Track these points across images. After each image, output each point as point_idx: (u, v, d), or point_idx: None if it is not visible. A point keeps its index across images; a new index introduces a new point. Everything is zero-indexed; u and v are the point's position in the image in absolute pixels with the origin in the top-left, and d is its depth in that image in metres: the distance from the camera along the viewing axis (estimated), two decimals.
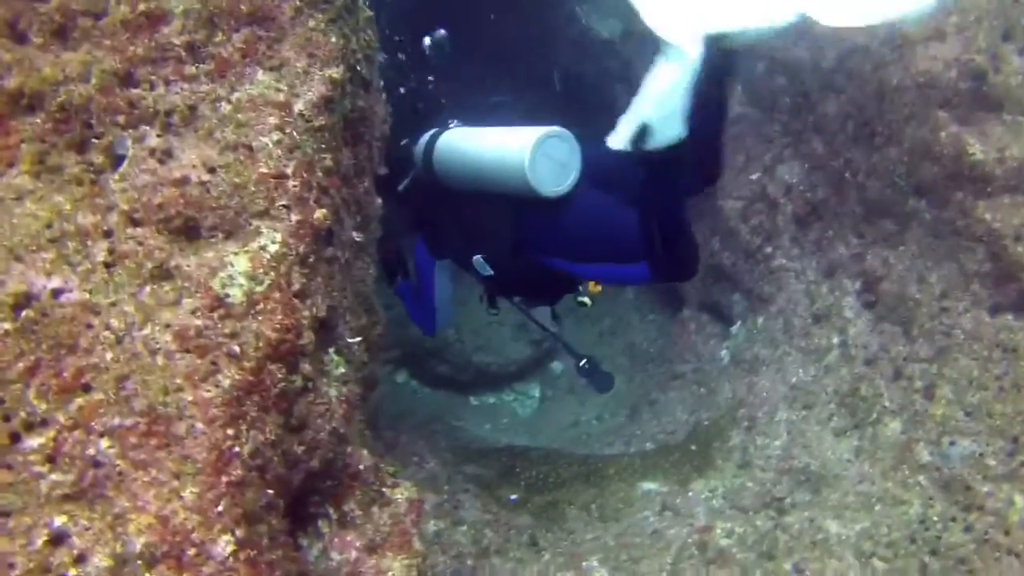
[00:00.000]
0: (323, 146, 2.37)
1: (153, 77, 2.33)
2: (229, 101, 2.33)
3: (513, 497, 3.40)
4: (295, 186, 2.25)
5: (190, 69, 2.35)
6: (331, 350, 2.39)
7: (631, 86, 4.26)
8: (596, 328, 5.10)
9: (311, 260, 2.24)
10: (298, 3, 2.45)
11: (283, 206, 2.21)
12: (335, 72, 2.43)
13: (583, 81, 4.56)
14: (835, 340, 3.51)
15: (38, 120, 2.22)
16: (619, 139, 2.76)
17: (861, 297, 3.53)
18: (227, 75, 2.36)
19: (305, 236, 2.22)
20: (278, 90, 2.36)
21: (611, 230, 2.90)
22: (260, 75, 2.38)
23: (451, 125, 3.38)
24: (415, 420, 4.34)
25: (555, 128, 2.92)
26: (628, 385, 4.63)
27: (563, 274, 3.14)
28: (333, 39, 2.47)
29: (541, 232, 3.05)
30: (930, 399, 3.11)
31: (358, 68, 2.62)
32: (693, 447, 3.56)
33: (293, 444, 2.12)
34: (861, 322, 3.47)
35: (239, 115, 2.31)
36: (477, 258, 3.28)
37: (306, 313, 2.18)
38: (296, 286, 2.17)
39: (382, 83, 2.87)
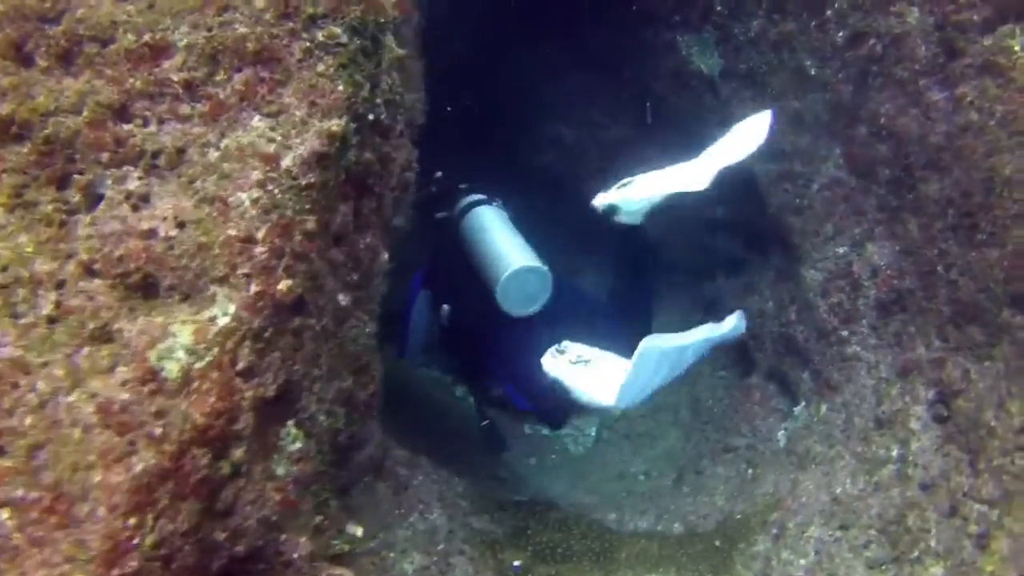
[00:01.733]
0: (307, 206, 2.22)
1: (148, 113, 2.23)
2: (218, 147, 2.22)
3: (517, 564, 3.22)
4: (262, 253, 2.11)
5: (185, 108, 2.24)
6: (290, 423, 2.26)
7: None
8: None
9: (267, 334, 2.10)
10: (308, 45, 2.30)
11: (244, 275, 2.08)
12: (335, 124, 2.27)
13: (676, 115, 4.24)
14: (894, 452, 3.13)
15: (24, 150, 2.17)
16: (601, 199, 3.45)
17: (933, 409, 3.12)
18: (221, 118, 2.24)
19: (263, 309, 2.09)
20: (270, 140, 2.22)
21: (529, 364, 3.18)
22: (255, 121, 2.25)
23: (494, 203, 3.80)
24: (455, 447, 4.20)
25: (539, 266, 3.36)
26: (684, 444, 4.33)
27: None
28: (340, 87, 2.30)
29: (497, 326, 3.42)
30: (982, 549, 2.71)
31: (372, 116, 2.45)
32: (717, 543, 3.26)
33: (214, 531, 2.00)
34: (927, 438, 3.07)
35: (225, 164, 2.19)
36: (445, 307, 3.63)
37: (249, 394, 2.05)
38: (241, 364, 2.04)
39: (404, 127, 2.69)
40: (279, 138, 2.22)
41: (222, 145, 2.21)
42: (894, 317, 3.39)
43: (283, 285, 2.12)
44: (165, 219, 2.13)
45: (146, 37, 2.25)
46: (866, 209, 3.51)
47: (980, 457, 2.88)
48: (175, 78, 2.23)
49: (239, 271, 2.08)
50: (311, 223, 2.21)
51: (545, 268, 3.37)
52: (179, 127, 2.23)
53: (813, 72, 3.58)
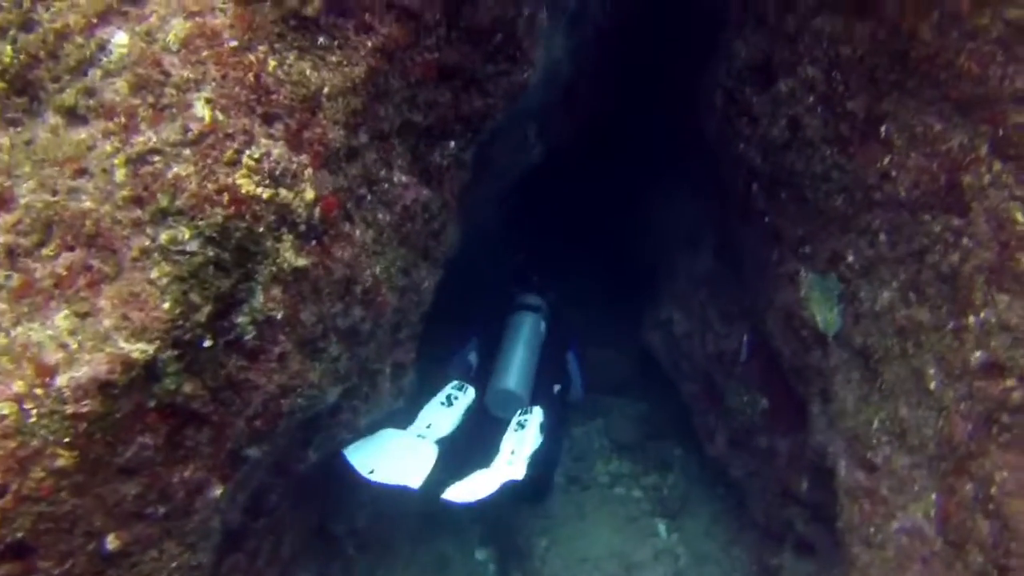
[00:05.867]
0: (66, 439, 1.80)
1: None
2: (8, 334, 1.86)
3: None
4: None
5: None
6: None
7: (825, 403, 3.14)
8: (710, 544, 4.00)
9: None
10: (148, 243, 1.89)
11: None
12: (137, 351, 1.83)
13: (777, 359, 3.41)
14: None
15: None
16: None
17: None
18: (25, 301, 1.88)
19: None
20: (60, 347, 1.83)
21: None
22: (60, 318, 1.85)
23: (540, 314, 4.36)
24: None
25: (521, 395, 3.94)
26: None
27: None
28: (166, 305, 1.86)
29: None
30: None
31: (218, 340, 1.99)
32: None
33: None
34: None
35: (3, 358, 1.83)
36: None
37: None
38: None
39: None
40: (73, 346, 1.83)
41: (12, 334, 1.85)
42: None
43: None
44: None
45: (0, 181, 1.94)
46: None
47: None
48: (1, 239, 1.90)
49: None
50: (66, 460, 1.81)
51: (524, 397, 3.94)
52: None
53: (932, 386, 2.67)
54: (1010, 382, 2.43)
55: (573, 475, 4.67)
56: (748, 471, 3.91)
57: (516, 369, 4.02)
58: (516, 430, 3.63)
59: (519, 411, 3.78)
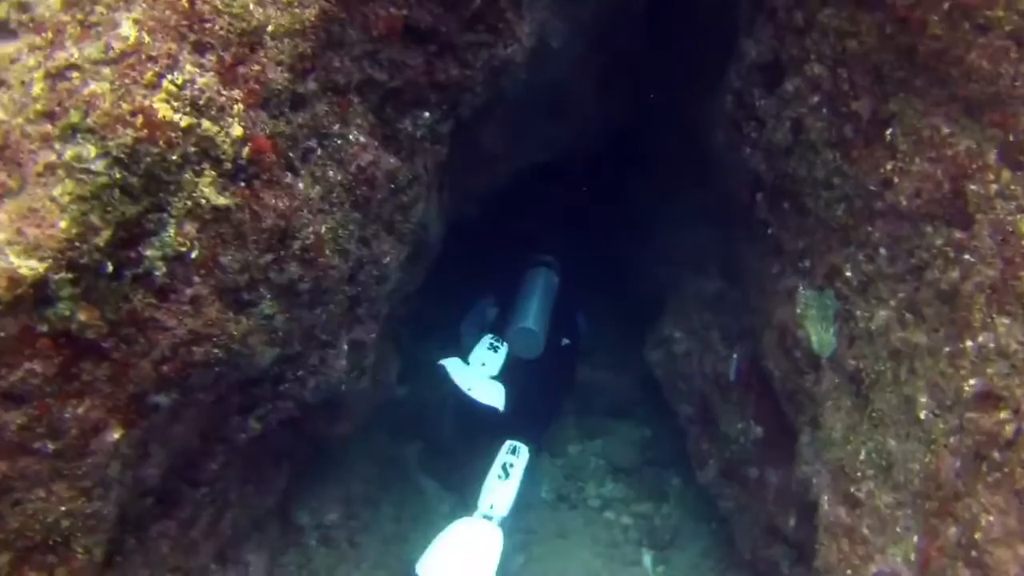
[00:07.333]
0: None
1: None
2: None
3: None
4: None
5: None
6: None
7: (814, 431, 2.92)
8: None
9: None
10: (54, 159, 1.80)
11: None
12: (25, 268, 1.74)
13: (769, 382, 3.18)
14: None
15: None
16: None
17: None
18: None
19: None
20: None
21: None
22: None
23: (553, 269, 4.76)
24: None
25: (538, 332, 4.36)
26: None
27: None
28: (63, 223, 1.77)
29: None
30: None
31: (124, 271, 1.90)
32: None
33: None
34: None
35: None
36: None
37: None
38: None
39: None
40: None
41: None
42: None
43: None
44: None
45: None
46: None
47: None
48: None
49: None
50: None
51: (542, 337, 4.35)
52: None
53: (923, 415, 2.43)
54: (1004, 414, 2.19)
55: (563, 493, 4.50)
56: (738, 504, 3.66)
57: (534, 312, 4.42)
58: (500, 476, 3.85)
59: (508, 449, 3.99)
